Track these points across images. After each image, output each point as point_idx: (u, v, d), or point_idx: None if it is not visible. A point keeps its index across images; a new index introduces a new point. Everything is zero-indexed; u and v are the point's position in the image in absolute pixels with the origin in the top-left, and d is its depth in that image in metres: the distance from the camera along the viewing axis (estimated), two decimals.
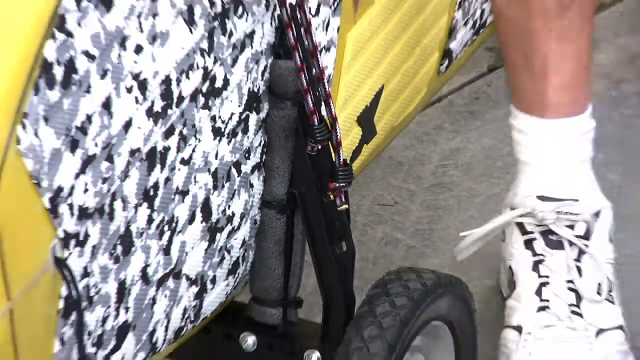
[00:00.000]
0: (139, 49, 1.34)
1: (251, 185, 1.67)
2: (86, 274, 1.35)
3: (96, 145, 1.26)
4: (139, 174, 1.39)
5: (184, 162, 1.50)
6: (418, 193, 2.51)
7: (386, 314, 1.63)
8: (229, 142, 1.59)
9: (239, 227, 1.68)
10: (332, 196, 1.62)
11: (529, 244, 2.05)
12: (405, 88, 2.42)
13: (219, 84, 1.51)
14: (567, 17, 1.94)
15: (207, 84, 1.51)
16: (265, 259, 1.73)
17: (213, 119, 1.53)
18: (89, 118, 1.26)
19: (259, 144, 1.65)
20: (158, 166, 1.44)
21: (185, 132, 1.52)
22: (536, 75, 1.98)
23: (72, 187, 1.24)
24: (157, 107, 1.40)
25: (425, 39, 2.40)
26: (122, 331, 1.50)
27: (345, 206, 1.63)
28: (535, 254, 2.03)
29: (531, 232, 2.05)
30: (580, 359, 2.03)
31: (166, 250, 1.53)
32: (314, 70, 1.53)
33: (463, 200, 2.50)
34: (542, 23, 1.93)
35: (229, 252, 1.69)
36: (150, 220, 1.46)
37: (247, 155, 1.64)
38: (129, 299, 1.50)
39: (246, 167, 1.64)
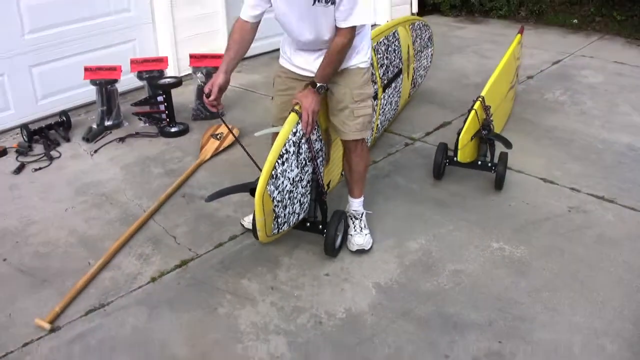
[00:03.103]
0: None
1: (308, 174, 2.72)
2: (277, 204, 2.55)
3: (283, 190, 2.56)
4: (293, 181, 2.59)
5: (297, 181, 2.65)
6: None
7: (336, 218, 2.84)
8: (307, 180, 2.74)
9: (308, 191, 2.78)
10: (325, 199, 2.86)
11: (348, 218, 2.99)
12: None
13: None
14: None
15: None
16: (311, 204, 2.85)
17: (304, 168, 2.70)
18: (286, 180, 2.54)
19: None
20: (300, 178, 2.64)
21: (302, 161, 2.65)
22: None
23: (274, 197, 2.61)
24: (296, 170, 2.61)
25: None
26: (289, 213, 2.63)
27: (325, 199, 2.87)
28: (352, 221, 2.98)
29: (349, 216, 2.98)
30: (362, 238, 2.94)
31: (297, 189, 2.65)
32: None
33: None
34: None
35: (304, 198, 2.77)
36: (285, 190, 2.56)
37: (307, 175, 2.74)
38: (291, 199, 2.59)
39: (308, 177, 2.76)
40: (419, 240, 3.08)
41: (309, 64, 2.76)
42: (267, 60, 5.82)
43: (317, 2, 2.52)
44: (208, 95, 2.70)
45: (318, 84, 2.66)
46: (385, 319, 2.54)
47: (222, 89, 2.72)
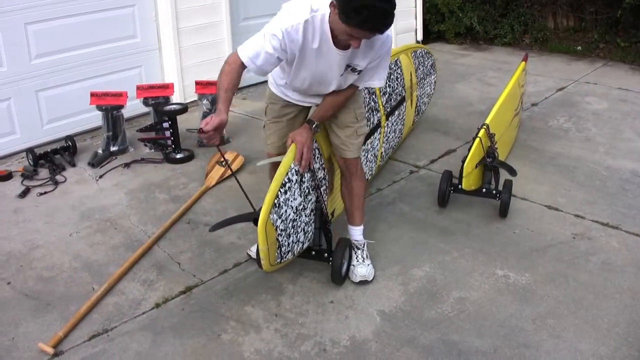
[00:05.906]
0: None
1: (311, 203, 2.72)
2: (282, 231, 2.51)
3: (287, 219, 2.54)
4: (295, 209, 2.58)
5: (300, 209, 2.64)
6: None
7: (341, 246, 2.83)
8: (310, 209, 2.72)
9: (311, 221, 2.77)
10: (329, 228, 2.89)
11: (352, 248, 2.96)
12: None
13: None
14: None
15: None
16: (315, 233, 2.86)
17: (306, 198, 2.68)
18: (289, 209, 2.53)
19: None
20: (303, 206, 2.62)
21: (305, 189, 2.60)
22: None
23: (277, 226, 2.51)
24: (299, 200, 2.60)
25: None
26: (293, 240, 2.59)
27: (329, 227, 2.90)
28: (355, 251, 2.97)
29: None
30: (365, 269, 2.91)
31: (301, 215, 2.63)
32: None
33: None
34: None
35: (307, 227, 2.75)
36: (289, 219, 2.53)
37: (310, 204, 2.73)
38: (294, 226, 2.54)
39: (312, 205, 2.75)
40: (424, 268, 3.08)
41: (306, 99, 2.82)
42: None
43: (346, 71, 2.54)
44: (203, 131, 2.37)
45: (315, 123, 2.70)
46: (390, 347, 2.54)
47: (222, 127, 2.44)
